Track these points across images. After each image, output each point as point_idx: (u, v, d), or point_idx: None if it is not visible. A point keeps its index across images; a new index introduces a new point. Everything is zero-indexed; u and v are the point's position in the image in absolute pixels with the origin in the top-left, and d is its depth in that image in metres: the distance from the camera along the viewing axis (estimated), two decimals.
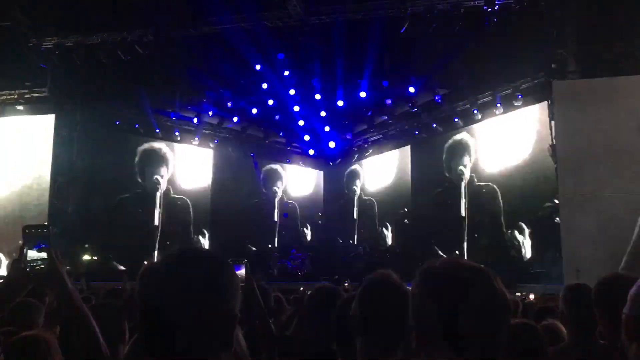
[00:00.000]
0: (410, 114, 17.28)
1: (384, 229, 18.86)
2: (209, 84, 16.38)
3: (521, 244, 13.91)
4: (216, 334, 1.21)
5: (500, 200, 14.69)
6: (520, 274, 12.14)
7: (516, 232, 14.06)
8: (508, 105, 14.70)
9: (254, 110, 17.94)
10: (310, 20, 14.11)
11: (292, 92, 16.85)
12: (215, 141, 19.10)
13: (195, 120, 18.04)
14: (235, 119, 18.56)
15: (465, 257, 14.63)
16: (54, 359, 2.05)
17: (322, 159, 21.93)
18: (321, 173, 22.36)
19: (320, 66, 15.63)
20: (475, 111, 15.53)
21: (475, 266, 1.36)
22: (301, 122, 18.27)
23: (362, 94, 16.31)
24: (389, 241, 18.59)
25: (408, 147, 18.26)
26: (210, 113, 18.00)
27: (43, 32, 14.56)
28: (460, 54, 13.54)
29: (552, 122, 12.33)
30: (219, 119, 18.42)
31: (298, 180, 21.52)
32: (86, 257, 14.99)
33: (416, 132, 17.78)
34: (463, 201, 15.58)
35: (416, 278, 1.40)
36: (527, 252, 13.64)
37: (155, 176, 17.07)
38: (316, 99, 17.02)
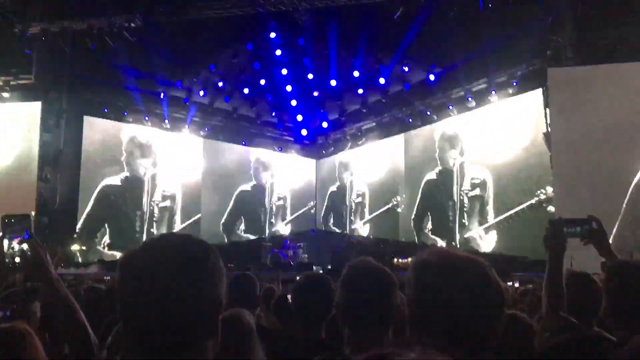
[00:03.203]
0: (403, 98, 17.16)
1: (375, 217, 18.92)
2: (199, 64, 16.22)
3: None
4: (202, 321, 1.18)
5: (491, 187, 14.80)
6: (511, 261, 12.22)
7: (507, 219, 14.18)
8: (503, 93, 14.70)
9: (246, 90, 17.78)
10: (303, 5, 14.03)
11: (284, 71, 16.75)
12: (206, 129, 19.01)
13: (185, 100, 17.75)
14: (226, 99, 18.30)
15: (457, 244, 14.82)
16: (32, 351, 2.01)
17: (314, 147, 21.91)
18: (313, 162, 22.36)
19: (312, 46, 15.53)
20: (470, 99, 15.52)
21: (469, 256, 1.36)
22: (294, 102, 18.20)
23: (355, 73, 16.25)
24: (379, 230, 18.65)
25: (401, 136, 18.28)
26: (201, 93, 17.73)
27: (29, 17, 14.37)
28: (455, 40, 13.49)
29: (547, 110, 12.35)
30: (209, 99, 18.21)
31: (290, 169, 21.51)
32: (75, 246, 14.95)
33: (409, 120, 17.77)
34: (455, 187, 15.65)
35: (410, 268, 1.40)
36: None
37: (143, 161, 17.00)
38: (309, 79, 16.91)
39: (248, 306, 3.11)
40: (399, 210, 17.91)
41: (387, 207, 18.35)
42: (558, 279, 2.31)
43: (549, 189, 12.75)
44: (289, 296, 3.25)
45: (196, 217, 18.09)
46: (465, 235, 15.29)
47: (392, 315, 1.81)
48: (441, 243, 15.83)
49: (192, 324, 1.17)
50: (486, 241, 14.74)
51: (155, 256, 1.18)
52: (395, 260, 14.32)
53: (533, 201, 13.40)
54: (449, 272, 1.31)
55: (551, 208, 12.45)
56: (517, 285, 8.72)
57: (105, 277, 8.98)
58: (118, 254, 15.21)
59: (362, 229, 19.47)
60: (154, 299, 1.14)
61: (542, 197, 13.12)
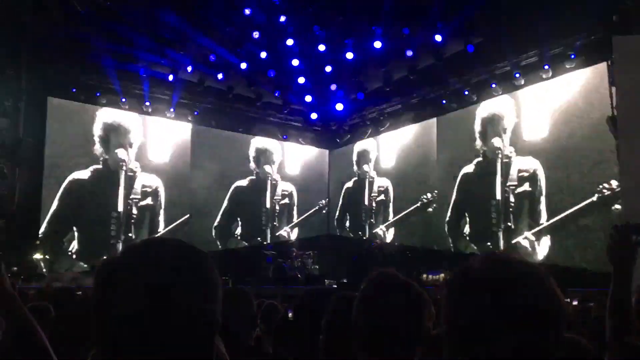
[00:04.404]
0: (435, 74, 17.00)
1: (400, 219, 18.90)
2: (187, 33, 16.18)
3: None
4: (192, 344, 1.19)
5: (543, 181, 14.72)
6: (568, 275, 12.15)
7: (563, 220, 14.11)
8: (558, 67, 14.60)
9: (243, 65, 17.69)
10: None
11: (290, 42, 16.71)
12: (195, 112, 19.04)
13: (170, 77, 17.67)
14: (220, 76, 18.13)
15: (501, 250, 14.75)
16: None
17: (327, 134, 21.89)
18: (325, 152, 22.36)
19: (324, 10, 15.45)
20: (518, 75, 15.42)
21: (524, 263, 1.36)
22: (301, 79, 18.15)
23: (377, 44, 16.16)
24: (407, 234, 18.64)
25: (433, 120, 18.22)
26: (189, 69, 17.61)
27: None
28: (499, 2, 13.39)
29: (613, 88, 12.24)
30: (199, 76, 18.14)
31: (297, 161, 21.53)
32: (37, 255, 15.06)
33: (443, 102, 17.69)
34: (499, 180, 15.60)
35: (451, 278, 1.40)
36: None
37: (119, 152, 17.08)
38: (320, 51, 16.85)
39: (243, 327, 3.12)
40: (430, 210, 17.86)
41: (415, 206, 18.30)
42: (625, 297, 2.30)
43: (614, 183, 12.68)
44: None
45: (183, 219, 18.16)
46: (512, 242, 15.23)
47: (420, 339, 1.81)
48: (482, 251, 15.78)
49: (181, 348, 1.17)
50: (537, 248, 14.68)
51: (138, 265, 1.19)
52: (425, 276, 14.29)
53: (595, 198, 13.33)
54: (497, 282, 1.31)
55: (617, 207, 12.39)
56: (575, 303, 8.71)
57: (77, 292, 9.03)
58: (90, 264, 15.35)
59: (386, 233, 19.46)
60: (134, 317, 1.15)
61: (606, 192, 13.04)
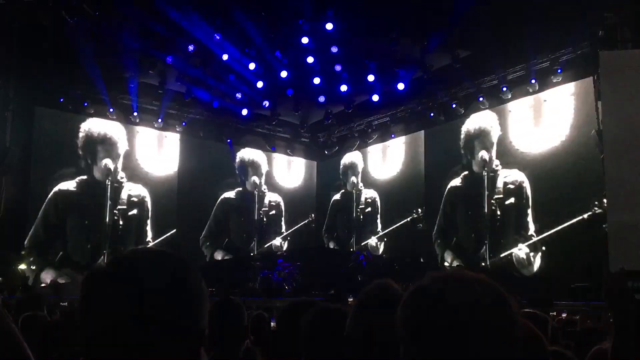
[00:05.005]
0: (423, 87, 17.05)
1: (389, 232, 18.89)
2: (175, 43, 16.15)
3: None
4: (178, 354, 1.19)
5: (529, 192, 14.77)
6: (555, 288, 12.17)
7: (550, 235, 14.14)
8: (545, 81, 14.70)
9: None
10: None
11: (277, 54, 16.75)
12: (183, 123, 19.00)
13: (158, 87, 17.63)
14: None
15: (488, 265, 14.72)
16: None
17: (315, 145, 21.90)
18: (314, 164, 22.37)
19: (310, 22, 15.45)
20: (505, 88, 15.52)
21: (481, 280, 1.30)
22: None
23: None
24: (395, 247, 18.61)
25: (421, 133, 18.29)
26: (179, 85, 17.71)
27: None
28: (486, 17, 13.47)
29: (599, 103, 12.33)
30: (187, 86, 18.06)
31: (285, 173, 21.53)
32: (22, 265, 14.93)
33: (431, 114, 17.75)
34: (485, 195, 15.63)
35: (403, 300, 1.34)
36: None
37: (106, 162, 16.98)
38: (308, 62, 16.86)
39: (234, 339, 3.11)
40: (420, 225, 17.82)
41: (405, 221, 18.26)
42: (628, 342, 2.21)
43: (605, 201, 12.68)
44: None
45: (168, 235, 18.01)
46: (500, 255, 15.22)
47: None
48: (468, 263, 15.77)
49: (168, 358, 1.17)
50: (526, 262, 14.66)
51: (125, 275, 1.19)
52: None
53: (585, 216, 13.34)
54: (452, 300, 1.25)
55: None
56: (564, 315, 8.74)
57: (61, 303, 8.97)
58: (75, 275, 15.21)
59: (373, 245, 19.43)
60: (121, 327, 1.15)
61: (597, 211, 12.97)
